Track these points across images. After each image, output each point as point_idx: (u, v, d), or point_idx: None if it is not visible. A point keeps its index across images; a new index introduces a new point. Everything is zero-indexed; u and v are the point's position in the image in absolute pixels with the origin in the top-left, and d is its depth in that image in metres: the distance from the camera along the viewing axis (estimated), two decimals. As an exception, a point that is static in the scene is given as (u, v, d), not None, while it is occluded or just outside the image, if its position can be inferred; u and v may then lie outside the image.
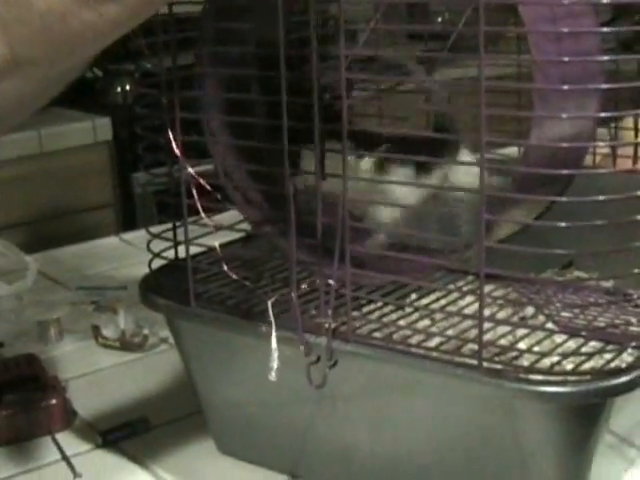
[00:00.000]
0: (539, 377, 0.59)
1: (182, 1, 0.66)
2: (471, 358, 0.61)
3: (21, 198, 2.16)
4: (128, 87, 2.34)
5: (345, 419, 0.70)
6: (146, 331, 1.02)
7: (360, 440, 0.70)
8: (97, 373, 0.98)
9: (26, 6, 0.45)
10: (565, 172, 0.58)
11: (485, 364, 0.60)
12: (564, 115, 0.58)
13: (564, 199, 0.61)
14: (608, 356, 0.62)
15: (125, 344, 1.02)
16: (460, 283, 0.74)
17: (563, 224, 0.57)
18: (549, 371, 0.60)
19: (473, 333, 0.62)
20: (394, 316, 0.69)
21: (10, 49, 0.46)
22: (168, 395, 0.92)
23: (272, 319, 0.64)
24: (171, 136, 0.64)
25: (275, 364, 0.62)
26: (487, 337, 0.62)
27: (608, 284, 0.73)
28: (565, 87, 0.57)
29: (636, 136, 0.88)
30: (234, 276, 0.70)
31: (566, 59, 0.59)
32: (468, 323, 0.65)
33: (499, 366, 0.60)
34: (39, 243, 1.46)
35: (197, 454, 0.81)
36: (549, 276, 0.75)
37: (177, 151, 0.66)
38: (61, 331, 1.05)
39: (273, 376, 0.63)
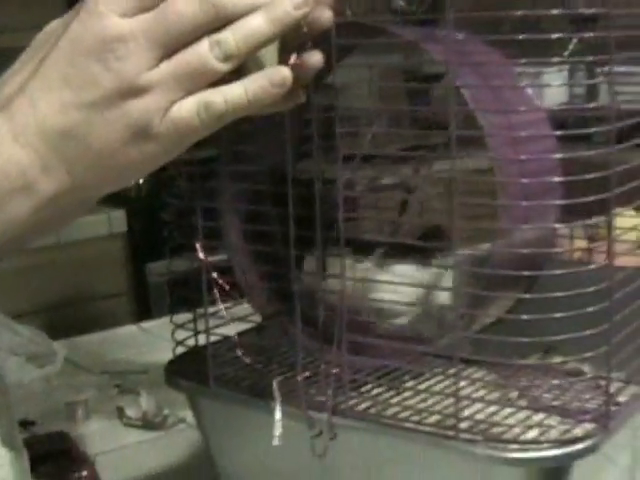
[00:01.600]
0: (508, 445, 0.70)
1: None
2: (450, 430, 0.72)
3: (40, 285, 2.29)
4: (141, 181, 2.48)
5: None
6: (166, 411, 1.12)
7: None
8: (122, 449, 1.09)
9: (85, 145, 0.57)
10: (526, 273, 0.70)
11: (462, 435, 0.71)
12: (526, 226, 0.70)
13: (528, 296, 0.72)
14: (565, 427, 0.73)
15: (147, 423, 1.13)
16: (446, 366, 0.85)
17: (525, 317, 0.69)
18: (516, 440, 0.71)
19: (453, 409, 0.73)
20: (387, 395, 0.80)
21: (70, 178, 0.58)
22: (186, 469, 1.03)
23: (277, 395, 0.75)
24: (198, 248, 0.77)
25: (278, 432, 0.74)
26: (465, 413, 0.73)
27: (584, 367, 0.83)
28: (524, 203, 0.69)
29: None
30: (248, 361, 0.82)
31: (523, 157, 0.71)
32: (450, 401, 0.76)
33: (474, 437, 0.71)
34: (58, 328, 1.58)
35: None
36: (523, 361, 0.86)
37: (201, 255, 0.78)
38: (88, 412, 1.16)
39: (276, 441, 0.74)
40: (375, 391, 0.80)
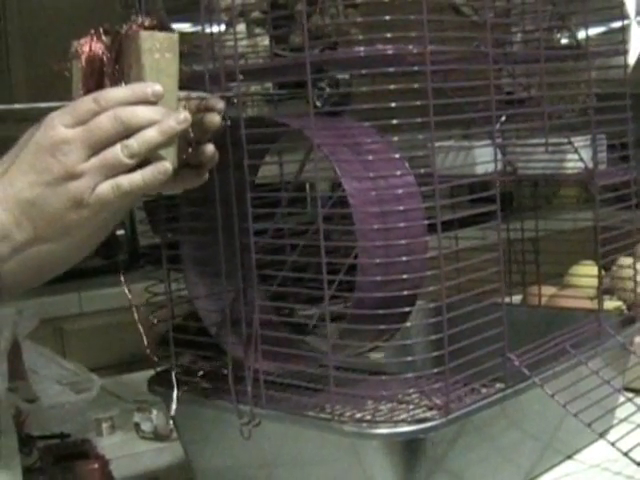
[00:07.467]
0: (367, 424, 0.96)
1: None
2: (328, 416, 0.98)
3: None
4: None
5: (272, 462, 1.07)
6: (171, 426, 1.39)
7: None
8: (135, 455, 1.37)
9: (43, 210, 0.85)
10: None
11: (336, 418, 0.97)
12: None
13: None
14: (416, 414, 0.98)
15: (157, 435, 1.41)
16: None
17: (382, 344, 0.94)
18: (374, 421, 0.96)
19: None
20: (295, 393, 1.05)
21: (34, 231, 0.87)
22: (181, 469, 1.30)
23: (175, 383, 1.06)
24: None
25: (174, 403, 1.01)
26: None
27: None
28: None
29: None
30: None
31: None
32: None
33: (344, 419, 0.97)
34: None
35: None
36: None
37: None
38: (113, 427, 1.45)
39: (173, 410, 1.01)
40: (288, 390, 1.06)
